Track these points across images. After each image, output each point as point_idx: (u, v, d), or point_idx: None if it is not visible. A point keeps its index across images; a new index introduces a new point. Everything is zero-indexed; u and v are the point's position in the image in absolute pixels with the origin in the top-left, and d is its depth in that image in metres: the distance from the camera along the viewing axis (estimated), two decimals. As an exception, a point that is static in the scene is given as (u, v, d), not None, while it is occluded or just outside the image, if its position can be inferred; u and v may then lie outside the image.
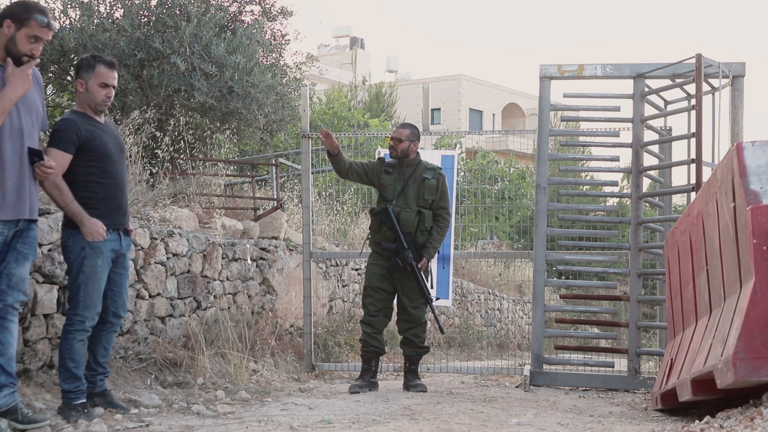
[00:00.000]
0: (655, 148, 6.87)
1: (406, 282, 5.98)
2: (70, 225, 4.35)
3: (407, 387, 6.09)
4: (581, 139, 7.16)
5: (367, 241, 6.21)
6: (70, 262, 4.37)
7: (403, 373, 6.38)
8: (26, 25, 3.91)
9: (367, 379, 6.02)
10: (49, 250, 4.84)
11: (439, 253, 7.05)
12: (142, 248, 5.81)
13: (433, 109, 27.48)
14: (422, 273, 5.99)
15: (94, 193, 4.37)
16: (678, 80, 6.53)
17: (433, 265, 6.87)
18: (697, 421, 3.69)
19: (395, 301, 6.17)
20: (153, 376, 5.63)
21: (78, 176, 4.35)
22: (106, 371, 4.65)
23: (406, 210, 5.94)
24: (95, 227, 4.31)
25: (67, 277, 4.84)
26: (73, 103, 8.11)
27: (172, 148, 8.24)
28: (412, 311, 6.00)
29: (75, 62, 7.96)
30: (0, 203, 3.83)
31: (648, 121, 6.61)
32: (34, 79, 4.09)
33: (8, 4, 4.00)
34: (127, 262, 4.66)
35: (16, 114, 3.91)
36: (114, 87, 4.50)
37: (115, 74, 4.51)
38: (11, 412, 3.82)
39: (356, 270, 9.55)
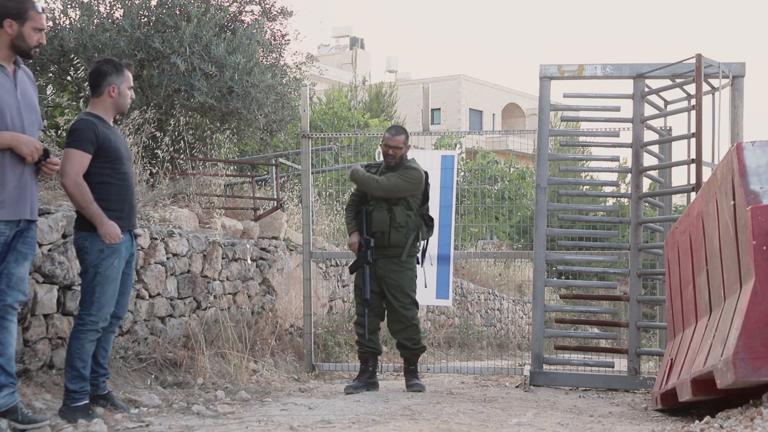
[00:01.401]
0: (655, 148, 6.87)
1: (390, 281, 5.97)
2: (85, 227, 4.34)
3: (406, 387, 6.11)
4: (581, 139, 7.16)
5: None
6: (87, 264, 4.35)
7: (403, 373, 6.40)
8: (28, 18, 3.94)
9: (364, 380, 6.01)
10: (49, 250, 4.84)
11: (439, 253, 7.07)
12: (142, 248, 5.81)
13: (433, 109, 27.50)
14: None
15: (109, 195, 4.39)
16: (678, 80, 6.52)
17: (430, 266, 6.91)
18: (697, 421, 3.69)
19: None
20: (153, 376, 5.63)
21: (93, 177, 4.35)
22: (108, 372, 4.65)
23: (378, 209, 5.96)
24: (113, 229, 4.33)
25: (67, 278, 4.85)
26: (74, 102, 8.14)
27: (172, 148, 8.24)
28: (400, 311, 5.96)
29: (75, 63, 8.00)
30: (1, 203, 3.83)
31: (648, 121, 6.61)
32: (28, 77, 4.10)
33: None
34: (135, 264, 4.70)
35: (18, 115, 3.91)
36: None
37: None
38: (11, 412, 3.82)
39: (356, 270, 9.54)
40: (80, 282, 4.44)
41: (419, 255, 6.18)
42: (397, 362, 7.71)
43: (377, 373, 6.21)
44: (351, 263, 6.14)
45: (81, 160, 4.28)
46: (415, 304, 6.06)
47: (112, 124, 4.57)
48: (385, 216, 5.94)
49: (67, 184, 4.25)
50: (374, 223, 5.95)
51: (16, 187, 3.89)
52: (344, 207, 6.89)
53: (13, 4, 3.93)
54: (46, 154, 3.99)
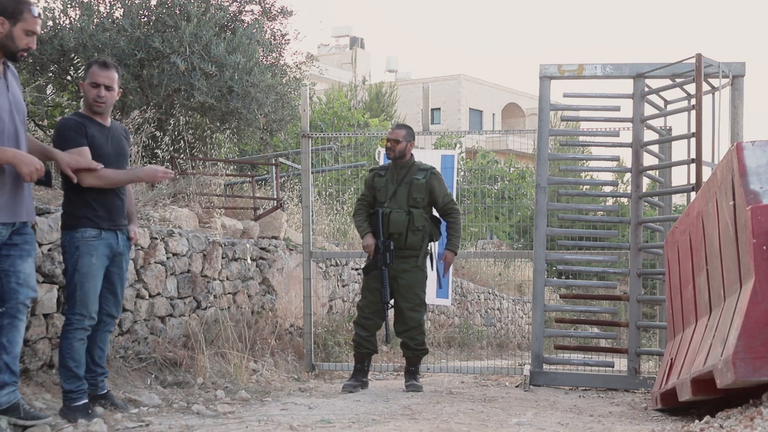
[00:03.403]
0: (655, 148, 6.87)
1: (402, 281, 5.99)
2: (66, 226, 4.36)
3: (405, 387, 6.12)
4: (581, 139, 7.16)
5: None
6: (66, 262, 4.37)
7: (403, 373, 6.41)
8: (21, 19, 3.86)
9: (360, 379, 6.07)
10: (49, 250, 4.84)
11: (439, 252, 7.06)
12: (142, 248, 5.81)
13: (433, 109, 27.48)
14: (445, 267, 6.20)
15: (90, 194, 4.37)
16: (678, 80, 6.52)
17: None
18: (697, 421, 3.69)
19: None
20: (153, 375, 5.63)
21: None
22: (105, 371, 4.65)
23: (396, 211, 5.99)
24: (154, 172, 4.61)
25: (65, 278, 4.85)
26: (74, 102, 8.15)
27: (172, 148, 8.24)
28: (407, 313, 5.99)
29: (75, 62, 8.01)
30: None
31: (648, 121, 6.61)
32: (14, 76, 4.06)
33: None
34: (125, 263, 4.63)
35: (11, 118, 3.87)
36: (108, 87, 4.41)
37: (109, 74, 4.42)
38: (12, 410, 3.82)
39: (356, 270, 9.55)
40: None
41: (430, 257, 6.23)
42: (396, 362, 7.72)
43: (373, 373, 6.23)
44: (365, 265, 6.12)
45: (86, 153, 4.28)
46: (423, 305, 6.09)
47: (105, 122, 4.50)
48: (404, 218, 5.97)
49: (94, 184, 4.28)
50: (392, 225, 5.97)
51: (12, 190, 3.87)
52: (343, 206, 6.91)
53: (8, 3, 3.85)
54: (47, 176, 3.94)
